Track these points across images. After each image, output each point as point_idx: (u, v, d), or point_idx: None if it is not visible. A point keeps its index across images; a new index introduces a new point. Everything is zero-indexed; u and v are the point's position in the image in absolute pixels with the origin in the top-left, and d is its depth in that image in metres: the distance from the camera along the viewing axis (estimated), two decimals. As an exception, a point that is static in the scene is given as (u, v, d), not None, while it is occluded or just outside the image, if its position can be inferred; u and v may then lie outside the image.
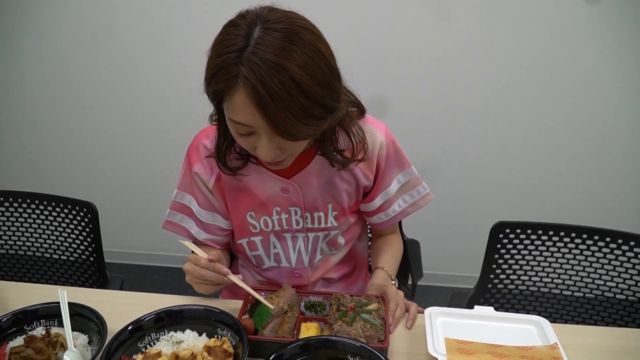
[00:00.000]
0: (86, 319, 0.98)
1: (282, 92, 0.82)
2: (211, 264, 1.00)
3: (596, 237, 1.29)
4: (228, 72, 0.84)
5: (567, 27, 2.11)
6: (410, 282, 1.48)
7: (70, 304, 0.98)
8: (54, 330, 0.98)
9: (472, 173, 2.44)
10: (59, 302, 0.98)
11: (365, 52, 2.21)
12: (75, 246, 1.50)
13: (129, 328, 0.94)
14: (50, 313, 1.00)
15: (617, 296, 1.33)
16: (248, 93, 0.83)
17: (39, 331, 0.97)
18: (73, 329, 0.95)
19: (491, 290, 1.38)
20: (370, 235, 1.50)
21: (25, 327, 0.98)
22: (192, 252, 1.05)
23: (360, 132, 1.10)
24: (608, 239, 1.28)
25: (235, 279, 1.02)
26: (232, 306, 1.10)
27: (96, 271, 1.49)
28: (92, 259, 1.48)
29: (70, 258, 1.52)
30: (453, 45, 2.19)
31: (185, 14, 2.27)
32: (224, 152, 1.09)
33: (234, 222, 1.21)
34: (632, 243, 1.26)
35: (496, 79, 2.23)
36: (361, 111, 1.14)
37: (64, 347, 0.93)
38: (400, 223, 1.42)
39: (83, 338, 0.97)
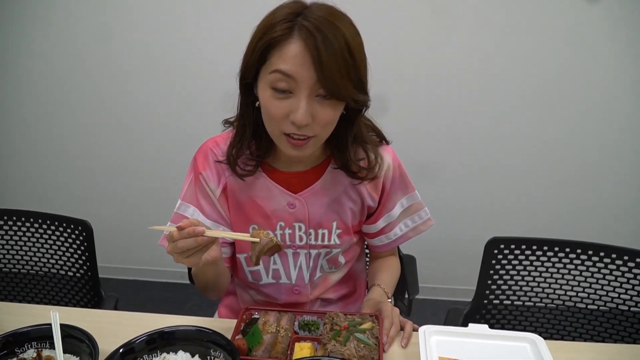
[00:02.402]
0: (78, 341, 0.97)
1: (335, 45, 0.90)
2: (184, 231, 0.89)
3: (590, 252, 1.29)
4: (284, 25, 0.92)
5: (568, 29, 2.12)
6: (406, 297, 1.48)
7: (62, 326, 0.97)
8: (46, 352, 0.97)
9: (468, 186, 2.45)
10: (50, 324, 0.97)
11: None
12: (70, 264, 1.49)
13: (120, 350, 0.93)
14: (41, 335, 0.99)
15: (613, 311, 1.32)
16: (304, 40, 0.90)
17: (30, 354, 0.97)
18: (65, 351, 0.94)
19: (487, 306, 1.38)
20: (367, 257, 1.50)
21: (16, 350, 0.97)
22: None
23: (376, 151, 1.15)
24: (602, 254, 1.28)
25: (214, 232, 0.94)
26: (227, 325, 1.09)
27: (90, 290, 1.48)
28: (86, 277, 1.48)
29: (65, 277, 1.51)
30: (450, 49, 2.20)
31: (183, 41, 2.30)
32: (239, 150, 1.10)
33: None
34: (625, 257, 1.26)
35: (491, 92, 2.25)
36: (381, 139, 1.19)
37: (55, 369, 0.93)
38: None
39: (75, 360, 0.96)
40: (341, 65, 0.91)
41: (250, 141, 1.10)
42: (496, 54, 2.19)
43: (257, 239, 0.94)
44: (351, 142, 1.10)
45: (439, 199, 2.40)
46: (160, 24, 2.29)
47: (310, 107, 0.95)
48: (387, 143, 1.19)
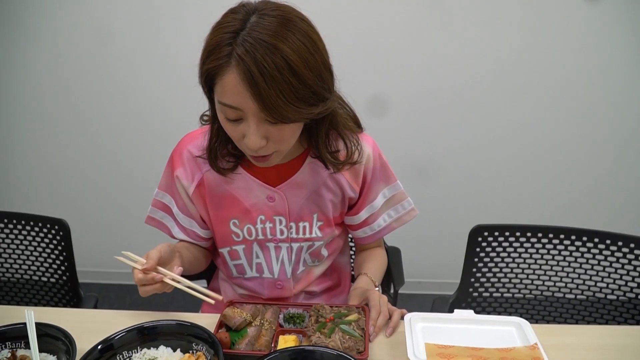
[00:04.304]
0: (54, 339, 0.94)
1: (274, 71, 0.83)
2: (145, 278, 0.99)
3: (573, 237, 1.30)
4: (221, 51, 0.86)
5: (565, 27, 2.13)
6: (392, 290, 1.47)
7: (38, 324, 0.94)
8: (21, 352, 0.94)
9: (454, 176, 2.45)
10: (25, 323, 0.94)
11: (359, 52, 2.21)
12: (47, 265, 1.45)
13: (99, 347, 0.91)
14: (16, 335, 0.96)
15: (597, 295, 1.33)
16: (240, 72, 0.85)
17: (5, 354, 0.94)
18: (41, 350, 0.92)
19: (472, 294, 1.37)
20: (353, 249, 1.49)
21: (-10, 350, 0.95)
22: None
23: (355, 138, 1.12)
24: (585, 239, 1.29)
25: (170, 281, 1.00)
26: (210, 321, 1.07)
27: (69, 291, 1.45)
28: (64, 278, 1.44)
29: (42, 278, 1.47)
30: (447, 48, 2.20)
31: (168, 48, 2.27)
32: (216, 151, 1.09)
33: (217, 230, 1.19)
34: (608, 241, 1.27)
35: (485, 80, 2.24)
36: (358, 126, 1.16)
37: (31, 369, 0.90)
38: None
39: (52, 359, 0.93)
40: (284, 90, 0.85)
41: (226, 141, 1.07)
42: (494, 53, 2.19)
43: (212, 301, 1.01)
44: (324, 137, 1.07)
45: (426, 191, 2.41)
46: (147, 27, 2.26)
47: (261, 132, 0.92)
48: (362, 129, 1.17)
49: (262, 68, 0.83)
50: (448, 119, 2.34)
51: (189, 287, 1.01)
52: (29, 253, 1.46)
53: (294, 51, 0.85)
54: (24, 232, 1.44)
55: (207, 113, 1.09)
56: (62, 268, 1.43)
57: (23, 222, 1.43)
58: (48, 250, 1.43)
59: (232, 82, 0.86)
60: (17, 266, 1.49)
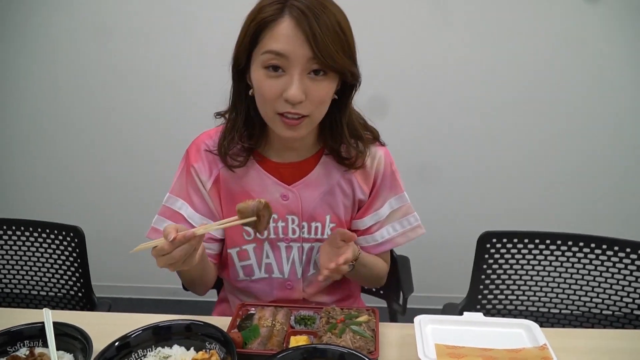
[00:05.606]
0: (71, 338, 0.96)
1: (327, 21, 0.95)
2: (176, 241, 0.90)
3: (581, 244, 1.31)
4: (275, 5, 0.96)
5: (567, 29, 2.16)
6: (401, 298, 1.47)
7: (55, 324, 0.96)
8: (38, 350, 0.96)
9: (461, 188, 2.46)
10: (43, 323, 0.96)
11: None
12: (62, 272, 1.47)
13: (116, 345, 0.93)
14: (34, 334, 0.98)
15: (606, 302, 1.33)
16: (294, 18, 0.94)
17: (23, 352, 0.96)
18: (58, 349, 0.94)
19: (481, 301, 1.38)
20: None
21: (8, 349, 0.96)
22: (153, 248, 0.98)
23: (367, 144, 1.17)
24: (593, 245, 1.30)
25: (202, 229, 0.94)
26: (223, 323, 1.08)
27: (83, 297, 1.47)
28: (79, 284, 1.46)
29: (57, 285, 1.49)
30: (448, 49, 2.23)
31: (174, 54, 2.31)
32: (230, 141, 1.12)
33: (228, 229, 1.19)
34: (616, 248, 1.28)
35: (486, 91, 2.28)
36: (373, 136, 1.21)
37: (48, 366, 0.92)
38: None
39: (68, 357, 0.95)
40: (335, 40, 0.95)
41: (242, 130, 1.11)
42: (494, 54, 2.22)
43: (252, 218, 0.95)
44: (345, 125, 1.11)
45: (433, 201, 2.41)
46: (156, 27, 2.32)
47: (303, 84, 0.97)
48: (382, 144, 1.22)
49: (318, 18, 0.94)
50: (455, 125, 2.35)
51: (221, 224, 0.98)
52: (44, 260, 1.48)
53: (340, 14, 0.99)
54: (40, 240, 1.46)
55: (221, 112, 1.14)
56: (77, 274, 1.46)
57: (39, 229, 1.45)
58: (63, 257, 1.46)
59: (287, 29, 0.94)
60: (32, 273, 1.51)
